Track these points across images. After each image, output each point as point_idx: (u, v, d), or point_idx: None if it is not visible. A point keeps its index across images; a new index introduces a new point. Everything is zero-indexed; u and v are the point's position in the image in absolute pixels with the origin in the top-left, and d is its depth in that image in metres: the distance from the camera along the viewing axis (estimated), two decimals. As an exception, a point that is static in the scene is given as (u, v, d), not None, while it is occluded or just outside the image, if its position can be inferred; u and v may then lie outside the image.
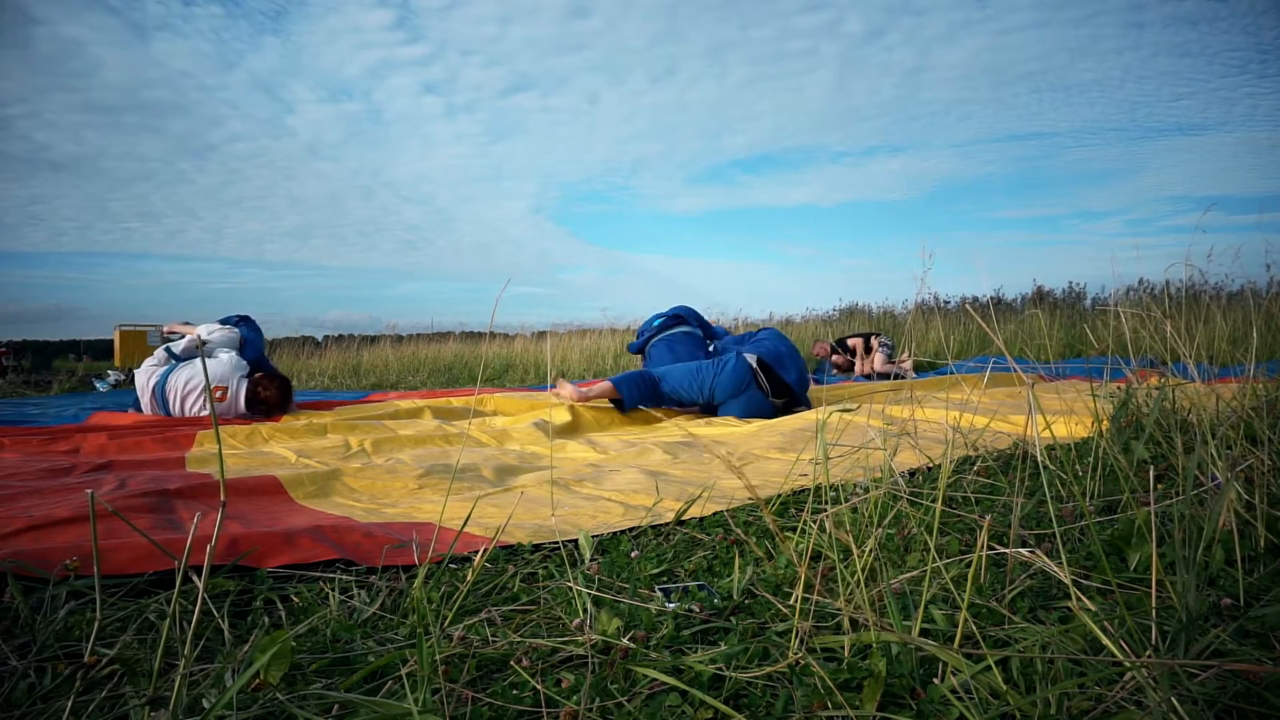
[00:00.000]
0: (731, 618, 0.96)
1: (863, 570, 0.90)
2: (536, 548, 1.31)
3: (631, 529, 1.43)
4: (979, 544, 0.79)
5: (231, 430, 2.85)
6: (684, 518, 1.47)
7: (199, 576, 0.77)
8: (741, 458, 2.22)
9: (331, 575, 1.16)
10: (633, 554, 1.27)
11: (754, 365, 3.35)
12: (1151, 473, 0.85)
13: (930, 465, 1.84)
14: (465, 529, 1.37)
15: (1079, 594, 0.79)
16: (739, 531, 1.20)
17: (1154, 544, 0.74)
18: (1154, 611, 0.77)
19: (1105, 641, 0.71)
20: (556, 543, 1.33)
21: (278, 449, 2.52)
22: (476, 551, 1.20)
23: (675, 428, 2.97)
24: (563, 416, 3.13)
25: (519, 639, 0.91)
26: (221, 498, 0.67)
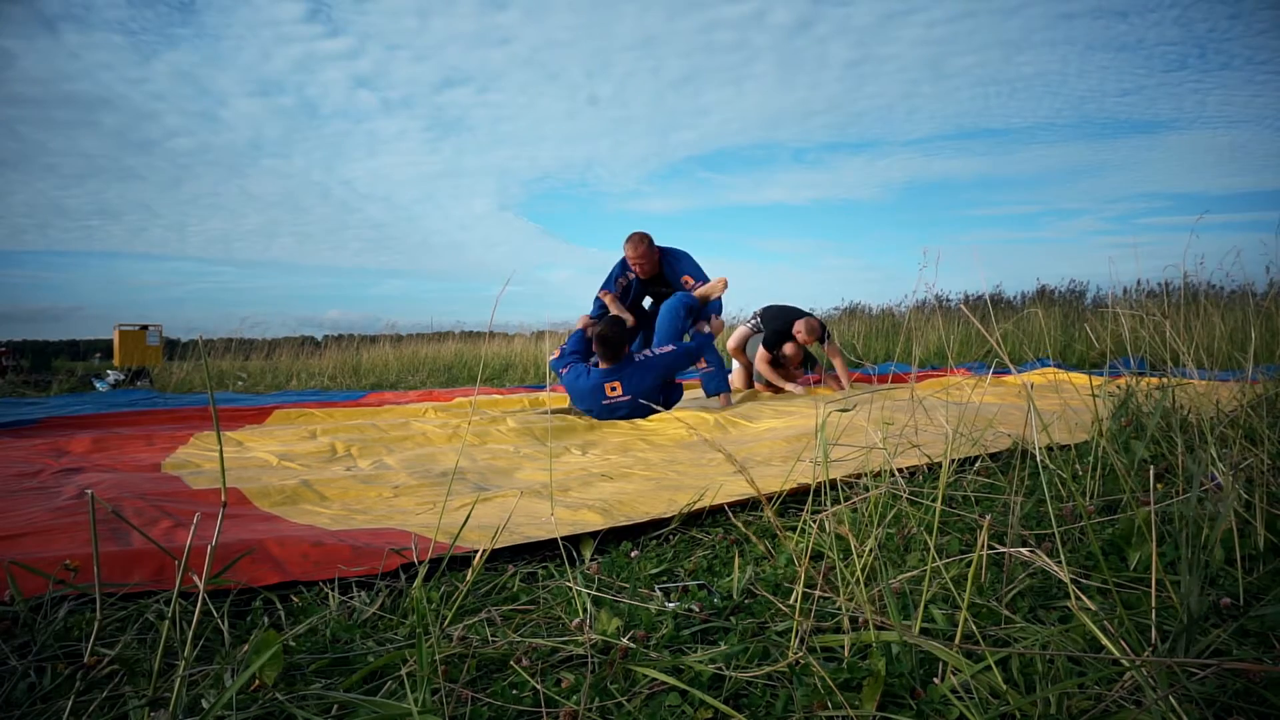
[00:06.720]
0: (731, 617, 0.96)
1: (863, 570, 0.90)
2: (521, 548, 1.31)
3: (632, 530, 1.43)
4: (979, 543, 0.79)
5: (213, 438, 2.83)
6: (686, 514, 1.47)
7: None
8: (742, 459, 2.22)
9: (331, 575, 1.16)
10: (632, 554, 1.27)
11: None
12: (1152, 472, 0.85)
13: (930, 464, 1.83)
14: (427, 536, 1.32)
15: (1078, 593, 0.79)
16: (739, 525, 1.21)
17: (1153, 544, 0.74)
18: (1154, 611, 0.77)
19: (1104, 641, 0.71)
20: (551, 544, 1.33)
21: (260, 453, 2.51)
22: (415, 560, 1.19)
23: (677, 423, 2.96)
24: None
25: (519, 639, 0.91)
26: (223, 500, 0.67)
